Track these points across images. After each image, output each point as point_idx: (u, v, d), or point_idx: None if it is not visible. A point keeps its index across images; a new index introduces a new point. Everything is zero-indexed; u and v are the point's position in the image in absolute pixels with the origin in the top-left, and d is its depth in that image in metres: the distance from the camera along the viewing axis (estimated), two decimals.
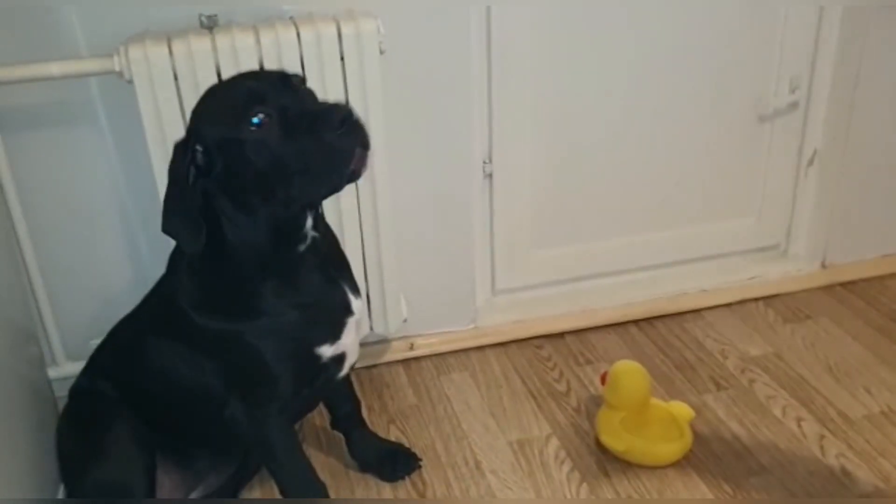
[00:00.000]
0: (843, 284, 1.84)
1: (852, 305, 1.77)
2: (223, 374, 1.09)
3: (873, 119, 1.73)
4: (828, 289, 1.83)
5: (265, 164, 0.93)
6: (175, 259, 1.12)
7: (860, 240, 1.86)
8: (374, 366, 1.64)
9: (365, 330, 1.50)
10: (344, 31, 1.25)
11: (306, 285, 1.06)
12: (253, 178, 0.95)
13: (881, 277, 1.85)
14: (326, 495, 1.19)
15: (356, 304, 1.12)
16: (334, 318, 1.10)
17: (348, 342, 1.12)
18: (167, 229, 0.98)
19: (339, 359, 1.12)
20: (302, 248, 1.04)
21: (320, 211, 1.07)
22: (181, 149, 0.97)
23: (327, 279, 1.09)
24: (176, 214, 0.97)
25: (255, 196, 0.98)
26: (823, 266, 1.86)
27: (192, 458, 1.23)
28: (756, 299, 1.80)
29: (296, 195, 0.96)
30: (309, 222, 1.03)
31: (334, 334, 1.09)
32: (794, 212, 1.85)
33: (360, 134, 0.93)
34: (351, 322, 1.11)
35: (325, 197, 1.02)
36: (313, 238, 1.05)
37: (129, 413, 1.15)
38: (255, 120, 0.92)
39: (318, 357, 1.09)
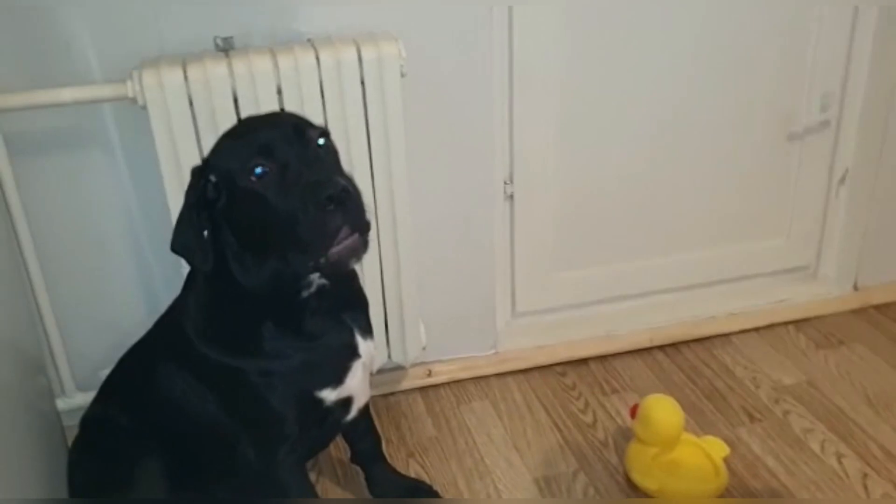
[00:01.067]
0: (876, 307, 1.78)
1: (887, 330, 1.71)
2: (227, 409, 1.06)
3: None
4: (860, 312, 1.77)
5: (258, 215, 0.93)
6: (188, 284, 1.09)
7: (893, 261, 1.80)
8: (392, 394, 1.59)
9: (377, 366, 1.45)
10: (364, 54, 1.21)
11: (310, 328, 1.03)
12: (248, 224, 0.95)
13: None
14: None
15: (364, 346, 1.09)
16: (338, 362, 1.06)
17: (354, 385, 1.08)
18: (175, 248, 0.98)
19: (345, 402, 1.09)
20: (305, 294, 1.01)
21: None
22: (197, 175, 0.97)
23: (335, 321, 1.06)
24: (187, 235, 0.97)
25: (253, 240, 0.96)
26: (855, 288, 1.81)
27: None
28: (786, 323, 1.74)
29: (283, 253, 0.94)
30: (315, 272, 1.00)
31: (338, 378, 1.06)
32: (824, 232, 1.80)
33: (352, 215, 0.89)
34: (357, 365, 1.08)
35: (309, 266, 0.95)
36: (320, 286, 1.01)
37: (153, 445, 1.11)
38: (257, 170, 0.91)
39: (321, 401, 1.06)
